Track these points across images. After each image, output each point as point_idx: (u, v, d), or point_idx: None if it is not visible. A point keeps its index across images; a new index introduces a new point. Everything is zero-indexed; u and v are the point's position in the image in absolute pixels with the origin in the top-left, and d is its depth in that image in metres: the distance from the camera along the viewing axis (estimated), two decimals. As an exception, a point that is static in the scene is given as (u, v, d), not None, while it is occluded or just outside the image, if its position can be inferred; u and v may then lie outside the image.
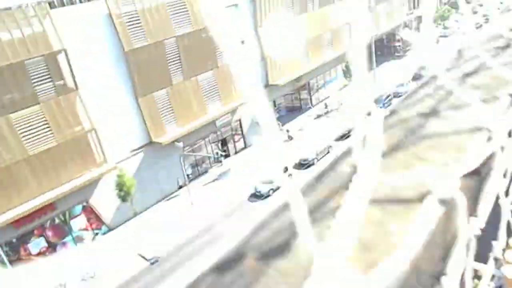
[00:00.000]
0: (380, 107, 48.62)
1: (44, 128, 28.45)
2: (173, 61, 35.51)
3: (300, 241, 15.61)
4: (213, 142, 41.84)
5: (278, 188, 35.27)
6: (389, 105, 49.94)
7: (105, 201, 32.74)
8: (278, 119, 48.80)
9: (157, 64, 34.41)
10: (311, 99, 54.29)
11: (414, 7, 76.58)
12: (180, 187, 35.96)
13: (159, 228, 32.00)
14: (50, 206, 29.34)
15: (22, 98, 27.23)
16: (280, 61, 46.33)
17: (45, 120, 28.39)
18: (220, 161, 41.40)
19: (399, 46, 73.30)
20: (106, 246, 31.07)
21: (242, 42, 39.48)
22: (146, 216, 34.31)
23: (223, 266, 18.91)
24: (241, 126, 44.15)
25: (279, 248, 18.36)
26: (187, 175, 37.30)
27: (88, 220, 32.28)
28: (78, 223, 31.68)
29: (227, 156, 42.54)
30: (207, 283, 18.44)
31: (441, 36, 77.40)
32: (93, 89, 30.99)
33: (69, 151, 29.85)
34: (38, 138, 28.21)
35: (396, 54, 72.75)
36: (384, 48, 72.19)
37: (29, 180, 28.11)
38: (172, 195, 37.05)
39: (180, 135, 35.88)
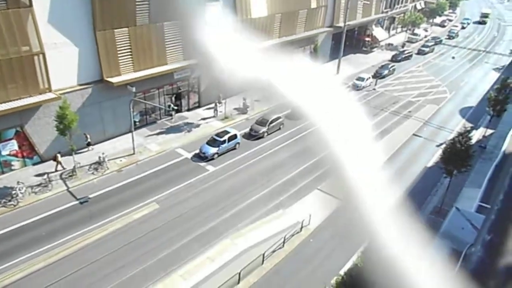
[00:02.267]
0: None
1: (-14, 40, 26.12)
2: (142, 1, 33.61)
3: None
4: (167, 95, 40.69)
5: (226, 151, 35.38)
6: (346, 95, 51.05)
7: (42, 131, 31.03)
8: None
9: (124, 0, 32.42)
10: (273, 73, 54.02)
11: (390, 7, 77.79)
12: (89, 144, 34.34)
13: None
14: (-21, 124, 27.37)
15: (-34, 1, 24.72)
16: (251, 28, 45.50)
17: (-11, 31, 26.03)
18: (171, 115, 40.50)
19: (368, 41, 74.55)
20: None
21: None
22: (81, 155, 33.06)
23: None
24: (199, 84, 43.23)
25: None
26: (135, 122, 36.13)
27: (20, 146, 30.50)
28: (8, 147, 29.86)
29: (178, 111, 41.66)
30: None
31: (407, 41, 79.69)
32: (49, 11, 28.72)
33: (10, 71, 27.64)
34: (-23, 49, 25.90)
35: (364, 48, 74.03)
36: (353, 40, 73.09)
37: (-40, 92, 25.93)
38: (115, 139, 35.93)
39: (134, 80, 34.44)
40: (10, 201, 27.34)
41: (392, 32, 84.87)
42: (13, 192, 27.48)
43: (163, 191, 30.18)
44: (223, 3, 41.80)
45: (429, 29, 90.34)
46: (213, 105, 42.48)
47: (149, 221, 27.14)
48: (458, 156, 27.32)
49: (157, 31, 36.00)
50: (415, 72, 63.01)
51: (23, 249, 23.89)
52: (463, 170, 28.09)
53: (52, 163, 31.20)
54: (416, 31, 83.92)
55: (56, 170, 31.31)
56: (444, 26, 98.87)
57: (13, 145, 30.15)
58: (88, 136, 33.37)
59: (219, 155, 35.11)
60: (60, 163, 31.20)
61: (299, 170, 34.18)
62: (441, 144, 38.15)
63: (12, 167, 30.71)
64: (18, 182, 28.24)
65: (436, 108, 49.59)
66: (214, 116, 42.04)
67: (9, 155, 30.18)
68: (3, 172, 30.24)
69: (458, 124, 44.99)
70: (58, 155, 31.05)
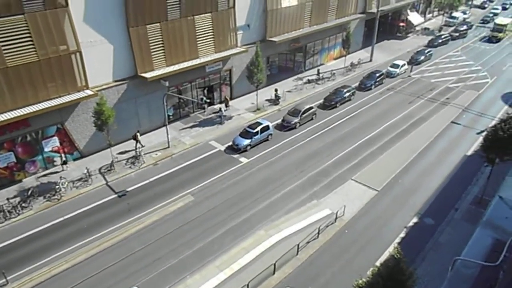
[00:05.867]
0: (371, 85, 48.56)
1: (26, 41, 27.02)
2: (173, -5, 34.06)
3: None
4: (200, 88, 41.13)
5: (258, 143, 35.49)
6: (380, 84, 49.91)
7: (81, 127, 32.17)
8: (269, 77, 48.23)
9: (155, -4, 32.95)
10: (304, 63, 53.59)
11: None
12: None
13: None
14: (23, 122, 28.56)
15: (6, 5, 25.66)
16: (281, 17, 45.15)
17: (29, 33, 26.94)
18: (204, 108, 40.94)
19: (403, 27, 72.27)
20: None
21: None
22: (120, 149, 34.05)
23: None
24: (230, 77, 43.42)
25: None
26: (168, 116, 36.77)
27: (61, 143, 31.74)
28: (51, 144, 31.16)
29: (211, 104, 42.03)
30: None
31: (444, 25, 76.61)
32: (84, 10, 29.59)
33: (50, 70, 28.73)
34: (19, 50, 26.85)
35: (398, 34, 71.86)
36: (387, 26, 71.00)
37: (4, 93, 27.10)
38: (150, 133, 36.75)
39: (167, 74, 35.00)
40: (54, 195, 28.60)
41: (428, 16, 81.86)
42: (56, 187, 28.70)
43: (198, 183, 30.66)
44: (252, -6, 41.68)
45: (468, 11, 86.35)
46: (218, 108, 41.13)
47: (184, 213, 27.69)
48: (500, 144, 26.14)
49: (188, 25, 36.32)
50: (453, 57, 60.57)
51: (67, 241, 25.00)
52: (505, 159, 26.87)
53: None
54: (454, 14, 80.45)
55: (136, 148, 33.78)
56: (484, 8, 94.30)
57: (55, 142, 31.42)
58: (63, 155, 32.06)
59: (252, 146, 35.23)
60: (139, 142, 33.88)
61: (332, 160, 33.80)
62: (482, 131, 36.60)
63: (55, 163, 32.04)
64: (60, 177, 29.49)
65: (476, 94, 47.54)
66: (220, 123, 39.42)
67: (51, 151, 31.49)
68: (46, 168, 31.63)
69: (500, 110, 43.02)
70: (138, 133, 33.64)
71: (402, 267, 15.98)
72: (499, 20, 69.90)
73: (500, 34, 67.31)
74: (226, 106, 41.81)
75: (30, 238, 25.33)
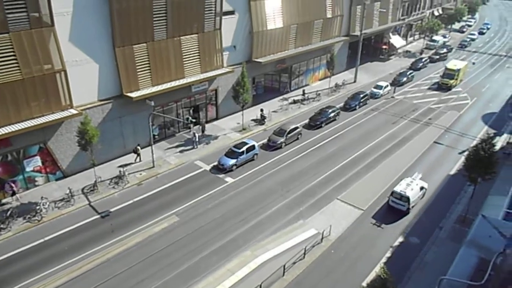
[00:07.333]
0: (355, 105, 49.29)
1: (10, 60, 26.76)
2: (159, 16, 34.23)
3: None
4: (185, 108, 41.12)
5: (244, 163, 35.44)
6: (364, 104, 50.70)
7: (64, 146, 31.68)
8: (255, 97, 48.55)
9: (142, 17, 33.09)
10: (290, 83, 54.22)
11: (407, 14, 77.23)
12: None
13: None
14: (4, 142, 27.99)
15: (-9, 23, 25.58)
16: (266, 39, 45.82)
17: (13, 52, 26.74)
18: (189, 128, 40.89)
19: (385, 49, 74.01)
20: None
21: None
22: (103, 169, 33.57)
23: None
24: (216, 96, 43.58)
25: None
26: (154, 135, 36.57)
27: (43, 162, 31.18)
28: (32, 163, 30.56)
29: (196, 123, 41.99)
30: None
31: (425, 48, 78.73)
32: (69, 29, 29.56)
33: (33, 89, 28.39)
34: (2, 69, 26.53)
35: (381, 56, 73.50)
36: (370, 48, 72.64)
37: (-14, 111, 26.71)
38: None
39: (153, 94, 34.95)
40: (34, 216, 27.87)
41: (409, 39, 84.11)
42: (37, 207, 28.02)
43: (183, 203, 30.31)
44: (239, 17, 42.29)
45: (448, 35, 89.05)
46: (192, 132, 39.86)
47: (169, 234, 27.24)
48: (482, 163, 26.64)
49: (174, 46, 36.55)
50: (434, 79, 62.04)
51: (47, 264, 24.25)
52: (487, 178, 27.35)
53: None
54: (435, 37, 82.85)
55: (136, 162, 35.01)
56: (463, 32, 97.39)
57: (37, 161, 30.84)
58: (13, 185, 29.78)
59: (238, 166, 35.14)
60: (139, 156, 34.87)
61: (318, 179, 33.89)
62: (464, 151, 37.31)
63: (36, 183, 31.37)
64: (42, 198, 28.84)
65: (458, 115, 48.64)
66: (194, 148, 38.36)
67: (33, 171, 30.86)
68: (27, 188, 30.92)
69: (481, 130, 44.00)
70: (138, 147, 34.34)
71: (388, 287, 15.93)
72: (451, 64, 58.99)
73: (451, 81, 57.06)
74: (203, 131, 41.18)
75: (8, 260, 24.47)
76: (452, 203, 31.47)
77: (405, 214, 29.75)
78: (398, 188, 29.98)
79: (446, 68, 57.97)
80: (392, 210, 30.03)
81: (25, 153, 30.04)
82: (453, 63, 59.37)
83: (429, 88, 58.26)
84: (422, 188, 31.32)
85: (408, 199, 29.22)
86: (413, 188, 29.99)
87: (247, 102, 40.43)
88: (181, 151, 37.63)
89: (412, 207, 30.12)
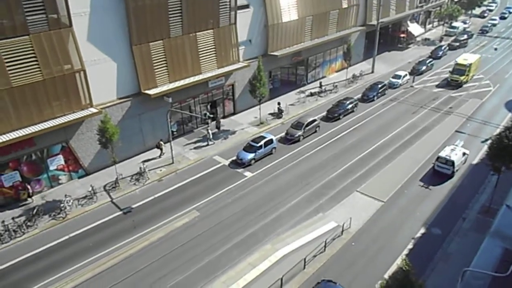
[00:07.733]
0: (373, 96, 48.67)
1: (31, 61, 27.37)
2: (174, 13, 34.41)
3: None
4: (203, 103, 41.35)
5: (262, 157, 35.48)
6: (382, 95, 50.00)
7: (85, 144, 32.33)
8: (271, 90, 48.44)
9: (157, 14, 33.31)
10: (307, 76, 53.88)
11: (425, 1, 75.56)
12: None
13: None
14: (28, 142, 28.76)
15: (12, 27, 26.11)
16: (282, 32, 45.57)
17: (33, 53, 27.34)
18: (207, 123, 41.11)
19: (403, 38, 72.69)
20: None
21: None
22: (124, 166, 34.12)
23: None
24: (233, 91, 43.67)
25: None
26: (172, 132, 36.93)
27: (66, 161, 31.89)
28: (56, 162, 31.29)
29: (214, 119, 42.20)
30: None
31: (445, 35, 76.96)
32: (87, 29, 30.04)
33: (54, 89, 29.01)
34: (24, 71, 27.17)
35: (399, 45, 72.25)
36: (388, 37, 71.44)
37: (9, 112, 27.32)
38: (154, 149, 36.78)
39: (170, 90, 35.27)
40: (59, 213, 28.58)
41: (428, 26, 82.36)
42: (61, 205, 28.72)
43: (203, 198, 30.59)
44: (253, 10, 42.15)
45: (468, 21, 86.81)
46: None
47: (190, 228, 27.57)
48: (506, 152, 25.99)
49: (190, 42, 36.72)
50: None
51: (73, 260, 24.89)
52: (512, 166, 26.71)
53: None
54: (454, 24, 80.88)
55: (160, 157, 35.80)
56: (484, 17, 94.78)
57: (60, 160, 31.56)
58: (29, 187, 30.07)
59: (256, 160, 35.21)
60: (162, 150, 35.76)
61: (337, 172, 33.68)
62: (487, 140, 36.43)
63: (60, 181, 32.13)
64: (65, 195, 29.53)
65: (480, 103, 47.49)
66: (208, 144, 38.28)
67: (56, 169, 31.61)
68: (51, 186, 31.71)
69: (504, 118, 42.87)
70: (161, 142, 35.20)
71: (411, 279, 15.77)
72: (462, 58, 54.13)
73: (462, 78, 52.13)
74: (218, 127, 41.27)
75: (35, 257, 25.24)
76: (475, 193, 30.84)
77: (449, 177, 32.22)
78: (443, 153, 32.84)
79: (456, 63, 53.55)
80: (437, 174, 32.67)
81: (48, 152, 30.78)
82: (463, 57, 54.61)
83: (437, 86, 53.44)
84: (464, 154, 33.79)
85: (453, 163, 32.05)
86: (457, 153, 32.80)
87: (264, 96, 40.39)
88: (199, 147, 37.94)
89: (457, 170, 32.71)
